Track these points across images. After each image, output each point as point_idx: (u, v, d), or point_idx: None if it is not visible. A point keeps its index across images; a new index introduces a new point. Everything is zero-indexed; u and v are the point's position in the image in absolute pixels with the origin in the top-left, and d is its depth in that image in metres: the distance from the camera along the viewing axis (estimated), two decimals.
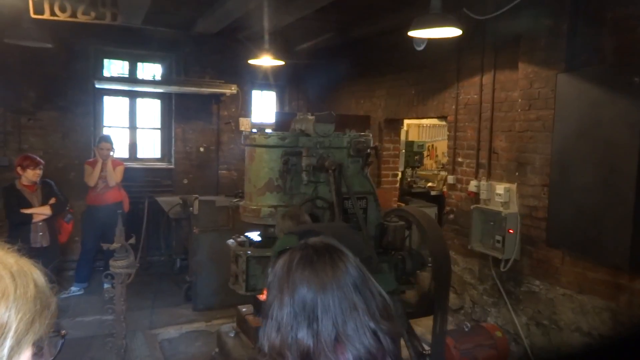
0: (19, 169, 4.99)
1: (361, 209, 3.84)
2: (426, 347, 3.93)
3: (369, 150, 3.86)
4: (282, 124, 6.09)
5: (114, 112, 7.67)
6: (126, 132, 7.70)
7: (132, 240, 3.91)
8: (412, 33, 4.00)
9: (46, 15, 5.33)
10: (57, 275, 6.35)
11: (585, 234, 3.84)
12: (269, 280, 1.17)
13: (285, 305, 1.09)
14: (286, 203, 3.61)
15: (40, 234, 4.93)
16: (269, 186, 3.60)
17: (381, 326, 1.11)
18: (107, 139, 6.20)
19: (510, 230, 4.58)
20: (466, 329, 4.11)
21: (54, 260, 5.18)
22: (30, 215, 4.84)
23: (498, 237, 4.69)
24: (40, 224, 4.95)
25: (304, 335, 1.07)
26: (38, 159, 5.03)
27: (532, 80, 4.38)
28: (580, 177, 3.88)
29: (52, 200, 5.05)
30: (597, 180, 3.75)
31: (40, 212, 4.93)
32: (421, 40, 4.39)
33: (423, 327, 4.64)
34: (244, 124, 3.68)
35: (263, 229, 3.76)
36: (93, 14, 5.42)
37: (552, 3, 4.20)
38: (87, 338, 4.97)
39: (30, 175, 4.92)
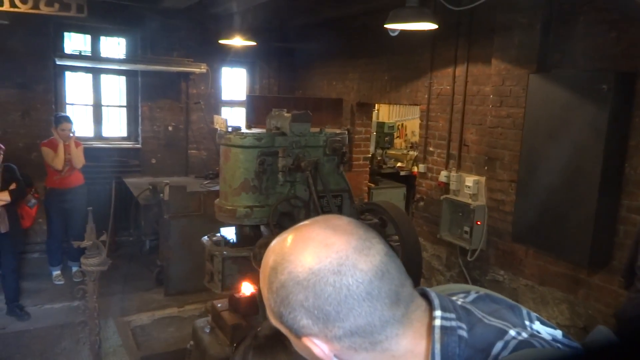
0: None
1: (336, 206, 3.88)
2: None
3: (344, 149, 3.87)
4: (254, 109, 6.01)
5: (76, 88, 7.34)
6: (90, 110, 7.42)
7: (104, 237, 3.85)
8: (389, 26, 3.98)
9: (5, 7, 5.04)
10: (26, 260, 6.23)
11: (548, 230, 4.02)
12: None
13: None
14: (262, 203, 3.61)
15: None
16: (244, 186, 3.57)
17: None
18: (68, 119, 5.93)
19: (478, 222, 4.73)
20: None
21: (17, 246, 5.07)
22: None
23: (466, 228, 4.85)
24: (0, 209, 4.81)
25: None
26: None
27: (504, 77, 4.44)
28: (547, 176, 4.02)
29: (13, 186, 4.89)
30: (562, 180, 3.89)
31: None
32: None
33: None
34: (218, 122, 3.58)
35: (239, 228, 3.76)
36: (57, 6, 5.13)
37: (527, 0, 4.22)
38: (57, 327, 4.91)
39: None
